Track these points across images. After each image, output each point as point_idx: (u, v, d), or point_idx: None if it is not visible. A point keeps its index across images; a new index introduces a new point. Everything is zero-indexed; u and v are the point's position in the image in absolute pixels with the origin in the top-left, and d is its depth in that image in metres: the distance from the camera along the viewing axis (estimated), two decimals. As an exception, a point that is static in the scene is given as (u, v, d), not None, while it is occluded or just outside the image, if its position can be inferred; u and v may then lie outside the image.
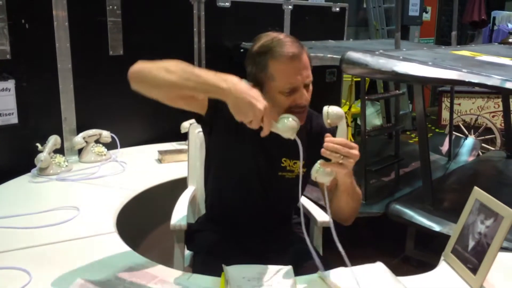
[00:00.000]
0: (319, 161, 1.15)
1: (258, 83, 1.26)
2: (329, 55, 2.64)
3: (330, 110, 1.18)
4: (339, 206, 1.31)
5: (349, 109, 4.60)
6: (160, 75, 1.10)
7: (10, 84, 1.96)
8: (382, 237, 2.93)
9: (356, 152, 1.13)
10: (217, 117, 1.30)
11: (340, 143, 1.12)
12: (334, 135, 1.37)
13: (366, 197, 2.67)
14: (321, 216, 1.56)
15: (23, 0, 1.95)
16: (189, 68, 1.11)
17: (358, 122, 5.25)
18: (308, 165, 1.33)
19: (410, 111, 5.82)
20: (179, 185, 1.84)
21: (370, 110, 5.45)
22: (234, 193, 1.42)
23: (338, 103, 3.98)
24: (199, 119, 1.33)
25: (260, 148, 1.35)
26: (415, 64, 1.99)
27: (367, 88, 4.31)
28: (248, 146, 1.34)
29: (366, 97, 2.64)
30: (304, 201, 1.67)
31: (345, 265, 1.12)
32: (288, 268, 1.15)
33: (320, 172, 1.13)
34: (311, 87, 1.27)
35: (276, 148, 1.34)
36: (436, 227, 2.29)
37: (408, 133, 5.70)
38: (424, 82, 2.28)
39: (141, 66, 1.13)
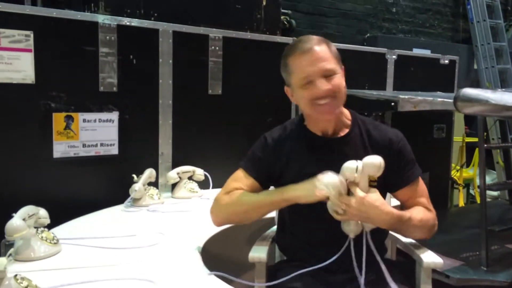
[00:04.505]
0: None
1: (288, 85, 1.36)
2: (439, 99, 2.42)
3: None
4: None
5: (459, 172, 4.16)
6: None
7: (114, 115, 2.03)
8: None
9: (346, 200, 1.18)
10: (274, 177, 1.39)
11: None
12: (402, 152, 1.35)
13: (488, 263, 2.27)
14: (429, 256, 1.30)
15: (133, 37, 2.06)
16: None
17: (471, 191, 4.73)
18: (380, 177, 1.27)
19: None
20: (267, 224, 1.71)
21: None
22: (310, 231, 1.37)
23: (447, 164, 3.62)
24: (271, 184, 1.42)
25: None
26: (551, 97, 1.70)
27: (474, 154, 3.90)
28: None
29: (485, 145, 2.33)
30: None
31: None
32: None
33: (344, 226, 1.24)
34: (337, 79, 1.28)
35: (339, 162, 1.25)
36: None
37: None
38: None
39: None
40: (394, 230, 1.32)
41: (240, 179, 1.39)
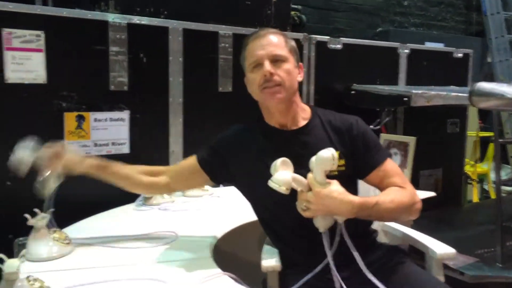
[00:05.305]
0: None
1: (244, 73, 1.38)
2: (453, 94, 2.39)
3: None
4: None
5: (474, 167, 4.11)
6: None
7: (125, 114, 2.03)
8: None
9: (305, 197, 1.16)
10: (226, 173, 1.43)
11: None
12: (366, 135, 1.34)
13: (503, 260, 2.24)
14: (441, 247, 1.27)
15: (143, 36, 2.05)
16: None
17: (485, 186, 4.67)
18: (346, 158, 1.30)
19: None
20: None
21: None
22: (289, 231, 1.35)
23: (460, 159, 3.57)
24: (217, 182, 1.50)
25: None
26: None
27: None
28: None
29: (500, 140, 2.29)
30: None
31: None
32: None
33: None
34: (285, 66, 1.29)
35: (302, 153, 1.27)
36: None
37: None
38: None
39: None
40: (368, 218, 1.26)
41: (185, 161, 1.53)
